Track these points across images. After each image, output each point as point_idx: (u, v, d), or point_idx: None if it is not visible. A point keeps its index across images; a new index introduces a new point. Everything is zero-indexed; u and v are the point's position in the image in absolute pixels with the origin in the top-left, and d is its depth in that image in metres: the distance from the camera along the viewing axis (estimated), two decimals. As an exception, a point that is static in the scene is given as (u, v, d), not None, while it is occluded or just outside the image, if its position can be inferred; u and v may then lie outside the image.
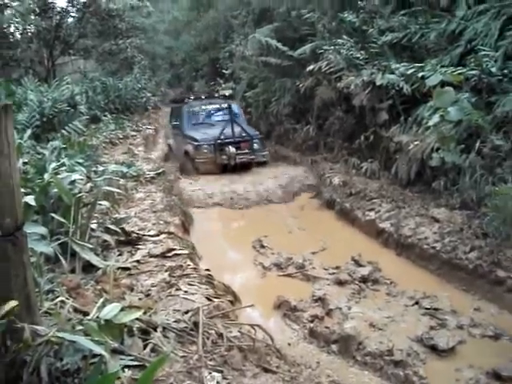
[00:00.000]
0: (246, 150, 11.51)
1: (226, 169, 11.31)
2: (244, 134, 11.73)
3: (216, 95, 14.43)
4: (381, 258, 6.41)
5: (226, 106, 12.83)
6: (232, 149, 11.28)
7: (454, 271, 5.73)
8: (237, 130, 11.66)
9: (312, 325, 4.71)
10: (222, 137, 11.50)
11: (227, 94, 14.34)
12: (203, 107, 13.49)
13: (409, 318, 4.84)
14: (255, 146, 11.75)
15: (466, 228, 6.16)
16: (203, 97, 14.33)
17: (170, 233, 6.35)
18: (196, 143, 11.67)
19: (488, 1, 7.95)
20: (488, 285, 5.27)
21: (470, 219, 6.34)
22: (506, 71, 7.02)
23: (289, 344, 4.43)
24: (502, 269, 5.25)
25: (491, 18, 7.60)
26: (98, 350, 2.51)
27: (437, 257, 6.03)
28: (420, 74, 7.89)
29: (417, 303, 5.14)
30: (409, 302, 5.19)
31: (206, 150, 11.49)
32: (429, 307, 4.99)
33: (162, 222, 6.84)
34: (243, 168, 11.37)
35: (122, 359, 2.90)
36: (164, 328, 3.43)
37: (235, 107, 13.21)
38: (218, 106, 13.51)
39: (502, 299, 5.05)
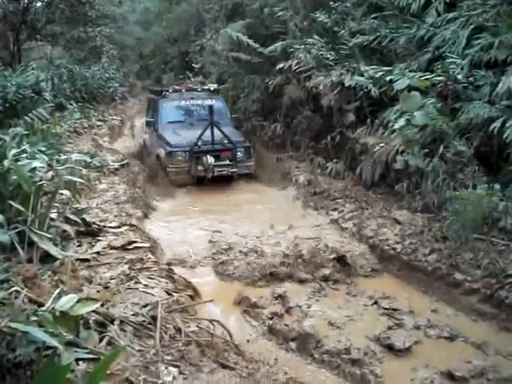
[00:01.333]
0: (227, 161, 9.88)
1: (203, 181, 9.76)
2: (226, 141, 10.03)
3: (199, 89, 12.49)
4: (342, 258, 6.45)
5: (210, 102, 11.04)
6: (210, 159, 9.66)
7: (414, 273, 5.81)
8: (218, 135, 9.97)
9: (271, 322, 4.71)
10: (200, 143, 9.86)
11: (212, 89, 12.32)
12: (183, 103, 11.67)
13: (367, 318, 4.89)
14: (238, 155, 10.08)
15: (427, 231, 6.26)
16: (184, 90, 12.36)
17: (131, 225, 6.28)
18: (169, 148, 10.02)
19: (457, 9, 8.09)
20: (446, 287, 5.36)
21: (431, 222, 6.45)
22: (471, 79, 7.16)
23: (248, 340, 4.41)
24: (459, 272, 5.34)
25: (459, 27, 7.73)
26: (51, 341, 2.46)
27: (397, 258, 6.10)
28: (388, 78, 7.99)
29: (376, 303, 5.18)
30: (368, 302, 5.23)
31: (179, 158, 9.85)
32: (387, 307, 5.05)
33: (124, 214, 6.77)
34: (222, 181, 9.80)
35: (76, 352, 2.84)
36: (121, 321, 3.39)
37: (220, 105, 11.62)
38: (200, 102, 11.64)
39: (459, 301, 5.14)
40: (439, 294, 5.37)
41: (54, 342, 2.46)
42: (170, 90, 12.20)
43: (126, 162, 10.79)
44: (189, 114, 11.64)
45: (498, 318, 4.75)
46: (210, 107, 10.20)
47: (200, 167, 9.70)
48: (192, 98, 11.79)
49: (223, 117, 11.23)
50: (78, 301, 3.00)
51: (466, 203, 5.78)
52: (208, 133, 9.87)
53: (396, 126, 7.36)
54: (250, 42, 12.49)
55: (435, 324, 4.69)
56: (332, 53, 9.97)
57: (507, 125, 6.23)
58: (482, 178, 6.39)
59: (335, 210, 7.88)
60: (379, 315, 4.93)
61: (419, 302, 5.24)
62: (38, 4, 21.12)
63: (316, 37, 10.33)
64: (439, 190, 6.72)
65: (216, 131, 9.95)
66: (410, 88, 7.28)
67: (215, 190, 9.60)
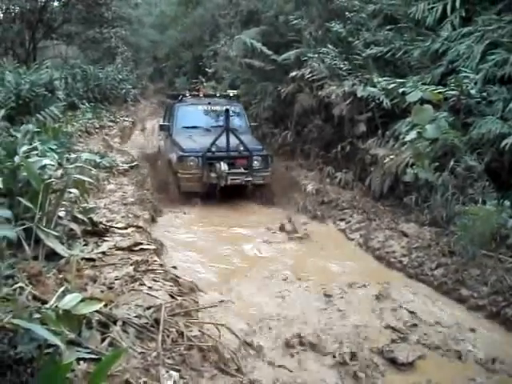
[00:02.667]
0: (242, 169, 9.25)
1: (215, 190, 9.09)
2: (242, 148, 9.40)
3: (218, 94, 11.92)
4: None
5: (230, 108, 10.28)
6: (224, 166, 9.01)
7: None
8: (233, 141, 9.38)
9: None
10: (214, 149, 9.27)
11: (232, 95, 11.68)
12: (200, 107, 11.04)
13: (371, 330, 4.84)
14: (255, 163, 9.40)
15: (434, 245, 6.23)
16: (202, 94, 11.83)
17: (138, 227, 6.29)
18: (181, 153, 9.38)
19: (473, 24, 8.07)
20: (451, 302, 5.32)
21: (439, 236, 6.41)
22: (484, 94, 7.13)
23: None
24: (465, 287, 5.31)
25: (474, 41, 7.71)
26: (53, 339, 2.44)
27: (403, 271, 6.07)
28: (401, 90, 7.97)
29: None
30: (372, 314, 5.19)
31: (191, 163, 9.21)
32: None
33: (131, 216, 6.78)
34: (235, 192, 9.27)
35: (78, 351, 2.83)
36: (124, 322, 3.37)
37: (239, 112, 11.18)
38: (219, 107, 10.92)
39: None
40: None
41: (55, 341, 2.44)
42: (188, 94, 11.73)
43: (135, 163, 10.81)
44: (206, 119, 10.93)
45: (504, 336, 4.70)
46: (227, 111, 9.71)
47: (213, 174, 9.06)
48: (210, 104, 11.14)
49: (242, 124, 10.86)
50: (82, 300, 2.99)
51: (474, 218, 5.74)
52: (223, 138, 9.31)
53: (407, 139, 7.33)
54: (264, 49, 12.52)
55: (440, 339, 4.63)
56: (345, 63, 9.97)
57: (519, 142, 6.20)
58: (492, 194, 6.35)
59: (343, 220, 7.88)
60: (383, 328, 4.88)
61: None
62: (55, 3, 21.32)
63: (330, 46, 10.34)
64: (448, 205, 6.69)
65: (232, 137, 9.38)
66: (422, 101, 7.26)
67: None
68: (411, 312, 5.01)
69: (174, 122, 10.76)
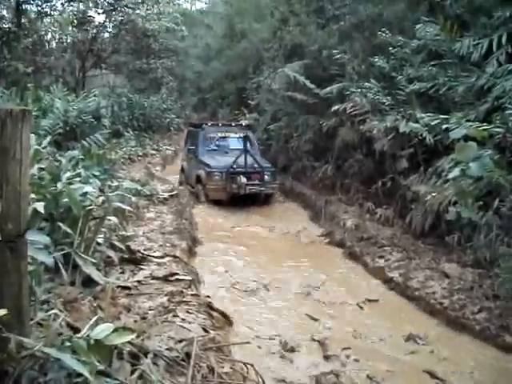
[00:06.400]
0: (257, 181, 11.87)
1: (236, 198, 11.63)
2: (256, 166, 12.06)
3: (233, 124, 14.75)
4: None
5: (241, 135, 13.04)
6: (243, 179, 11.62)
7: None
8: (250, 160, 11.98)
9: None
10: (235, 166, 11.83)
11: (244, 124, 14.42)
12: (219, 134, 13.68)
13: (410, 374, 4.67)
14: (266, 177, 12.02)
15: (477, 287, 6.01)
16: (220, 124, 14.76)
17: (175, 256, 6.29)
18: (208, 169, 11.98)
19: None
20: (494, 349, 5.09)
21: (482, 278, 6.20)
22: (531, 132, 6.95)
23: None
24: (510, 334, 5.08)
25: (521, 78, 7.56)
26: (82, 370, 2.43)
27: (443, 314, 5.86)
28: (444, 126, 7.80)
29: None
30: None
31: (217, 177, 11.82)
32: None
33: (168, 245, 6.81)
34: (252, 199, 11.81)
35: (106, 382, 2.80)
36: (155, 355, 3.33)
37: (251, 137, 13.35)
38: (234, 134, 13.70)
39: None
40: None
41: (84, 372, 2.43)
42: (209, 124, 14.28)
43: (175, 192, 10.95)
44: (224, 144, 13.55)
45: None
46: (246, 137, 12.43)
47: (234, 185, 11.59)
48: (227, 131, 13.83)
49: (253, 147, 12.99)
50: (115, 330, 2.97)
51: (519, 261, 5.54)
52: (242, 158, 11.83)
53: (450, 176, 7.12)
54: (307, 82, 12.58)
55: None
56: (388, 98, 9.89)
57: None
58: (539, 237, 6.13)
59: (382, 257, 7.70)
60: (422, 372, 4.70)
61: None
62: (106, 35, 22.06)
63: (373, 81, 10.29)
64: (492, 245, 6.47)
65: (248, 157, 11.88)
66: (466, 138, 7.11)
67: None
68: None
69: (200, 146, 13.15)
